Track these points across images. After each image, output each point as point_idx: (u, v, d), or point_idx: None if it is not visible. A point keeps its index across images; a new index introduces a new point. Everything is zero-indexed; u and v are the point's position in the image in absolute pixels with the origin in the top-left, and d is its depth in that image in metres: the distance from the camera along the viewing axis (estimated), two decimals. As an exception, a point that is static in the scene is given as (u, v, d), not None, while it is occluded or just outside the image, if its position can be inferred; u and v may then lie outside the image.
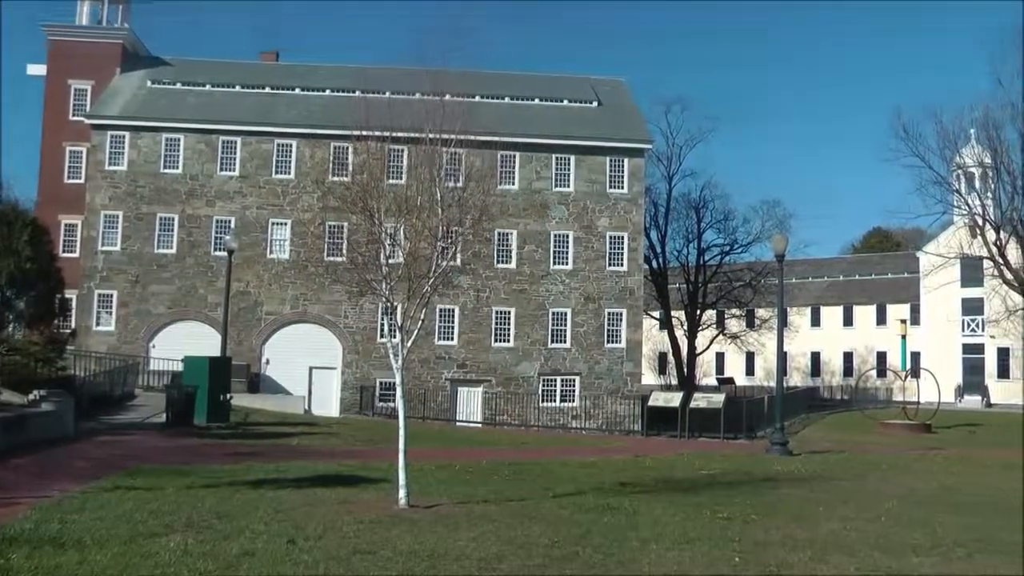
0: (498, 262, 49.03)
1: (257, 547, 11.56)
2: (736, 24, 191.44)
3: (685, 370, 73.24)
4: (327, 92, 51.97)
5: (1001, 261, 59.15)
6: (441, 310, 47.52)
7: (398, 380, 15.79)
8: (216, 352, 37.61)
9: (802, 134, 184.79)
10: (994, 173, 61.70)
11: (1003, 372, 76.53)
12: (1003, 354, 76.64)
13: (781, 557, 12.21)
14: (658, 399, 42.90)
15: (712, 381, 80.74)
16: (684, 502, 17.05)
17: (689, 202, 73.27)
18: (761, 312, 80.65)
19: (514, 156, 49.17)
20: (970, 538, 14.39)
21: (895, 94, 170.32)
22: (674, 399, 41.90)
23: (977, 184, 63.63)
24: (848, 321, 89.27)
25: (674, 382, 75.78)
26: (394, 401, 16.40)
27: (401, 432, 15.73)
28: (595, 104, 54.32)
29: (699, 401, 41.13)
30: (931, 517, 16.55)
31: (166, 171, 48.91)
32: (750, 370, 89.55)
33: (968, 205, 61.73)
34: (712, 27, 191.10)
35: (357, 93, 47.01)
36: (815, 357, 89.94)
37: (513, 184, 49.51)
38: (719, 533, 13.83)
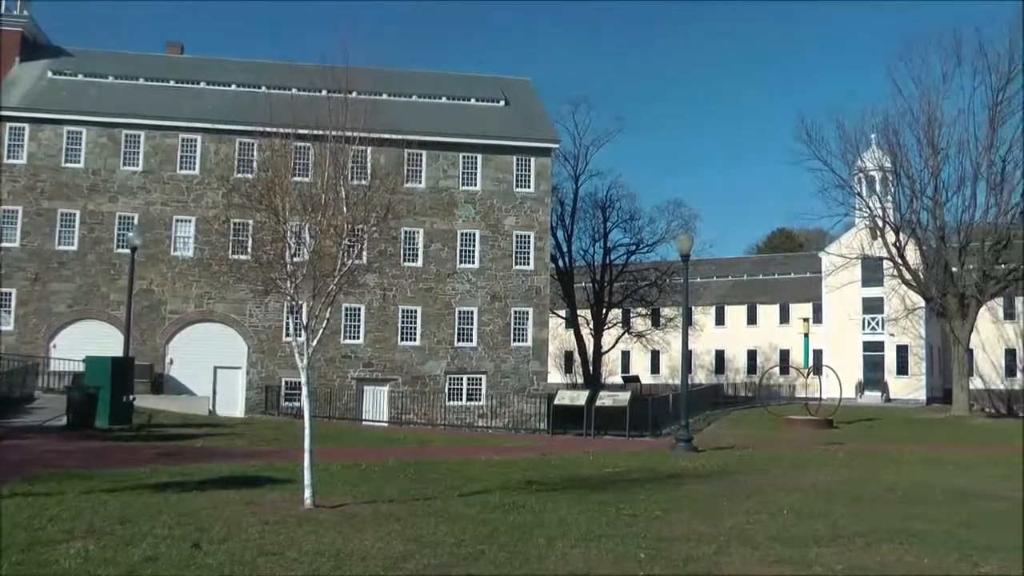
0: (405, 261, 48.82)
1: (160, 552, 11.34)
2: (644, 25, 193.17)
3: (591, 368, 73.80)
4: (233, 87, 51.30)
5: (900, 262, 60.72)
6: (347, 309, 47.18)
7: (304, 379, 15.63)
8: (119, 352, 36.90)
9: (708, 136, 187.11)
10: (894, 177, 63.40)
11: (902, 368, 78.33)
12: (902, 351, 78.45)
13: (686, 552, 12.30)
14: (564, 397, 43.07)
15: (618, 379, 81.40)
16: (590, 499, 17.12)
17: (595, 202, 74.02)
18: (666, 311, 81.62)
19: (421, 154, 48.96)
20: (868, 528, 14.75)
21: (799, 98, 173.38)
22: (580, 397, 42.10)
23: (877, 187, 65.30)
24: (752, 320, 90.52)
25: (580, 380, 76.36)
26: (300, 401, 16.25)
27: (307, 432, 15.55)
28: (502, 103, 54.38)
29: (605, 399, 41.35)
30: (832, 509, 16.86)
31: (67, 165, 47.70)
32: (655, 368, 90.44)
33: (869, 207, 63.26)
34: (619, 27, 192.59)
35: (263, 89, 46.84)
36: (719, 355, 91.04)
37: (420, 182, 49.35)
38: (624, 530, 13.89)
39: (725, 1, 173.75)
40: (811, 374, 62.14)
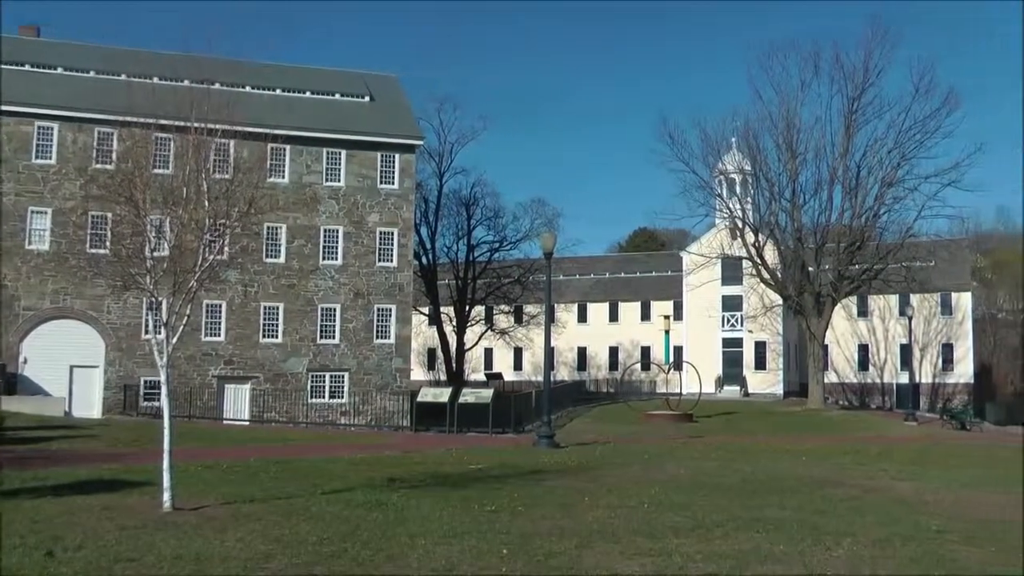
0: (267, 257, 48.07)
1: (12, 562, 10.92)
2: (509, 23, 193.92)
3: (454, 365, 73.90)
4: (92, 74, 49.35)
5: (759, 261, 62.35)
6: (208, 305, 46.28)
7: (163, 378, 15.30)
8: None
9: (572, 136, 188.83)
10: (753, 179, 65.18)
11: (760, 364, 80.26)
12: (760, 347, 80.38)
13: (548, 547, 12.41)
14: (427, 394, 43.13)
15: (481, 376, 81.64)
16: (453, 496, 17.16)
17: (460, 199, 74.06)
18: (529, 308, 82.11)
19: (284, 149, 48.08)
20: (727, 518, 15.16)
21: (662, 101, 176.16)
22: (443, 394, 42.21)
23: (738, 189, 66.97)
24: (614, 317, 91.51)
25: (443, 377, 76.42)
26: (159, 400, 15.96)
27: (166, 432, 15.22)
28: (367, 99, 53.96)
29: (468, 396, 41.49)
30: (692, 501, 17.25)
31: (-88, 153, 45.54)
32: (518, 365, 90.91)
33: (729, 208, 64.75)
34: (485, 26, 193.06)
35: (123, 77, 45.38)
36: (582, 352, 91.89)
37: (283, 177, 48.63)
38: (487, 526, 13.97)
39: (592, 1, 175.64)
40: (671, 370, 63.39)
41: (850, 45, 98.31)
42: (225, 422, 44.02)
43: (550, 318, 35.86)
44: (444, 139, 72.20)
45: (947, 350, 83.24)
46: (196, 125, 15.49)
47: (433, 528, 13.63)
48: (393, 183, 50.80)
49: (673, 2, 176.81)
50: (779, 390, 78.01)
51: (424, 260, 71.31)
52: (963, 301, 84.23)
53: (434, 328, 75.74)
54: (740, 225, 63.86)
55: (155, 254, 14.99)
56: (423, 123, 61.58)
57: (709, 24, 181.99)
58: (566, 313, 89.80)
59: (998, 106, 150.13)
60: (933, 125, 59.14)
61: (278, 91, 51.72)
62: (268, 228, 47.25)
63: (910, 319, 57.73)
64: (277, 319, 48.36)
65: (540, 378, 51.54)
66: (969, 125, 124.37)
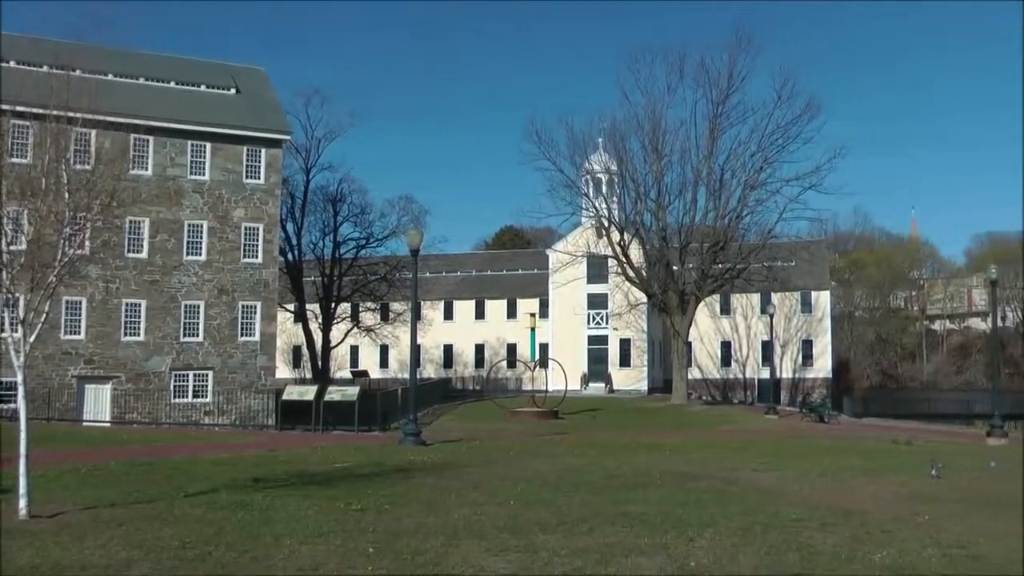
0: (129, 252, 46.82)
1: None
2: (378, 21, 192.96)
3: (320, 363, 73.34)
4: (-59, 57, 47.65)
5: (624, 260, 63.29)
6: (68, 302, 44.89)
7: (20, 379, 14.77)
8: None
9: (442, 134, 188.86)
10: (620, 179, 66.03)
11: (625, 361, 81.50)
12: (625, 344, 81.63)
13: (414, 545, 12.44)
14: (292, 393, 42.76)
15: (347, 374, 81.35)
16: (318, 495, 17.05)
17: (326, 195, 73.49)
18: (396, 305, 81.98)
19: (147, 140, 46.97)
20: (591, 513, 15.41)
21: (531, 100, 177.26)
22: (308, 392, 41.91)
23: (604, 189, 67.80)
24: (480, 315, 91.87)
25: (309, 376, 75.80)
26: (15, 402, 15.43)
27: (22, 435, 14.65)
28: (233, 92, 52.96)
29: (333, 394, 41.28)
30: (557, 497, 17.46)
31: None
32: (384, 363, 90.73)
33: (595, 208, 65.51)
34: (356, 21, 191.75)
35: (-25, 61, 43.80)
36: (448, 349, 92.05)
37: (146, 169, 47.40)
38: (353, 525, 13.93)
39: (460, 1, 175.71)
40: (538, 367, 63.81)
41: (715, 52, 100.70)
42: (85, 424, 42.75)
43: (416, 315, 35.84)
44: (312, 134, 71.58)
45: (807, 346, 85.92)
46: (55, 113, 15.06)
47: (298, 528, 13.55)
48: (259, 178, 50.03)
49: (547, 2, 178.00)
50: (644, 386, 79.29)
51: (290, 256, 70.58)
52: (822, 299, 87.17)
53: (300, 325, 75.03)
54: (606, 224, 64.67)
55: (11, 248, 14.51)
56: (291, 117, 60.92)
57: (581, 25, 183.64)
58: (433, 311, 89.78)
59: (858, 112, 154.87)
60: (795, 131, 60.91)
61: (142, 80, 50.22)
62: (130, 222, 46.06)
63: (771, 317, 59.17)
64: (139, 316, 47.19)
65: (406, 376, 51.47)
66: (831, 130, 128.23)
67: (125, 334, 46.86)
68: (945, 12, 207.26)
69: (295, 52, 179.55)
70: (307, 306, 73.10)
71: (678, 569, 11.39)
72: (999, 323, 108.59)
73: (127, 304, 46.94)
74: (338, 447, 29.00)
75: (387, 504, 16.13)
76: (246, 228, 49.59)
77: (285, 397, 42.37)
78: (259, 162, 50.10)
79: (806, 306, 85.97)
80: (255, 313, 49.60)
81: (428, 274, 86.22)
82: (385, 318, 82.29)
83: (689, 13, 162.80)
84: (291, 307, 75.18)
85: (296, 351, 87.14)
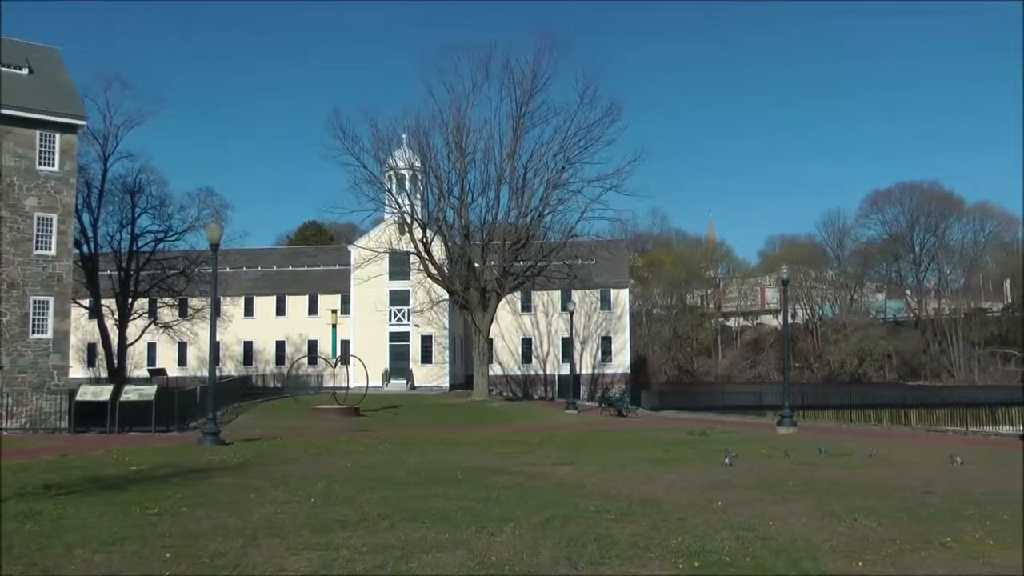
0: (-95, 245, 44.58)
1: None
2: (190, 10, 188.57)
3: (116, 362, 71.15)
4: None
5: (426, 256, 63.64)
6: None
7: None
8: None
9: (244, 127, 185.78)
10: (423, 176, 66.35)
11: (426, 357, 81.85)
12: (426, 341, 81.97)
13: (214, 547, 12.32)
14: (87, 393, 41.41)
15: (144, 372, 79.52)
16: (113, 500, 16.64)
17: (125, 185, 71.03)
18: (195, 301, 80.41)
19: (-73, 124, 44.67)
20: (393, 510, 15.57)
21: (337, 95, 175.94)
22: (104, 392, 40.70)
23: (407, 185, 68.08)
24: (281, 311, 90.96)
25: (104, 375, 73.46)
26: None
27: None
28: (26, 72, 50.59)
29: (130, 394, 40.23)
30: (358, 494, 17.52)
31: None
32: (183, 360, 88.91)
33: (398, 204, 65.66)
34: (164, 10, 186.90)
35: None
36: (248, 346, 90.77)
37: (-75, 159, 45.12)
38: (150, 529, 13.68)
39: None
40: (339, 364, 63.55)
41: (521, 52, 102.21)
42: None
43: (216, 311, 35.28)
44: (110, 120, 68.87)
45: (606, 343, 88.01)
46: None
47: (92, 536, 13.19)
48: (53, 165, 47.99)
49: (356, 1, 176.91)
50: (445, 383, 79.89)
51: (85, 249, 68.09)
52: (622, 297, 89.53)
53: (95, 322, 72.54)
54: (408, 221, 64.86)
55: None
56: (88, 102, 58.81)
57: (392, 20, 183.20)
58: (233, 307, 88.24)
59: (658, 116, 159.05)
60: (597, 133, 62.30)
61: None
62: (-93, 214, 43.73)
63: (571, 314, 60.37)
64: (-83, 313, 44.88)
65: (206, 373, 50.52)
66: (633, 131, 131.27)
67: (-99, 332, 44.44)
68: (745, 15, 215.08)
69: (94, 35, 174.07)
70: (103, 302, 70.80)
71: (479, 564, 11.61)
72: (790, 320, 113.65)
73: (-96, 301, 44.55)
74: (134, 449, 28.27)
75: (185, 506, 15.88)
76: (39, 218, 47.51)
77: (79, 398, 40.99)
78: (53, 148, 47.96)
79: (606, 303, 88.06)
80: (47, 309, 47.71)
81: (228, 269, 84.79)
82: (184, 314, 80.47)
83: (500, 14, 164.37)
84: (86, 303, 72.57)
85: (91, 349, 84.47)
